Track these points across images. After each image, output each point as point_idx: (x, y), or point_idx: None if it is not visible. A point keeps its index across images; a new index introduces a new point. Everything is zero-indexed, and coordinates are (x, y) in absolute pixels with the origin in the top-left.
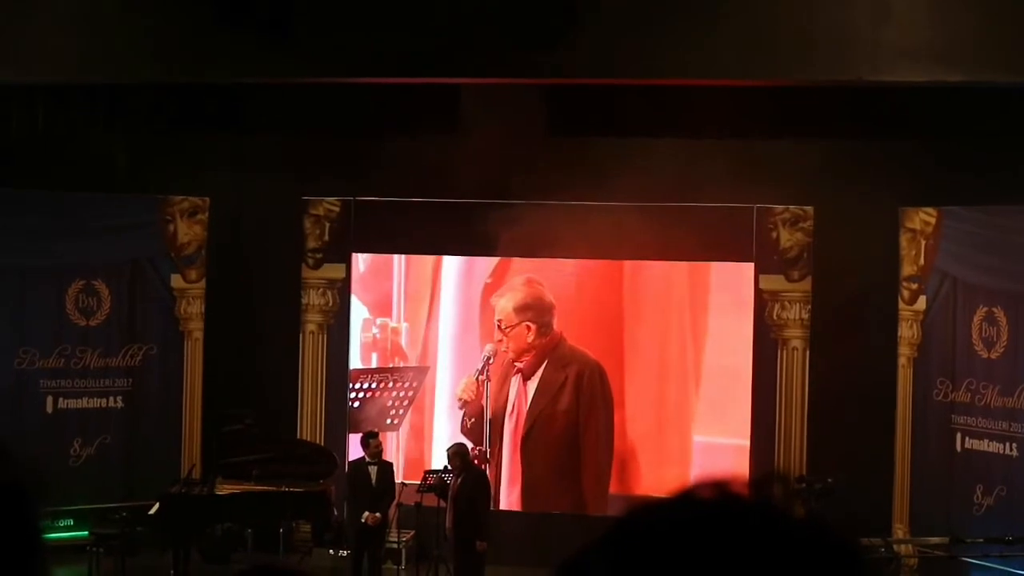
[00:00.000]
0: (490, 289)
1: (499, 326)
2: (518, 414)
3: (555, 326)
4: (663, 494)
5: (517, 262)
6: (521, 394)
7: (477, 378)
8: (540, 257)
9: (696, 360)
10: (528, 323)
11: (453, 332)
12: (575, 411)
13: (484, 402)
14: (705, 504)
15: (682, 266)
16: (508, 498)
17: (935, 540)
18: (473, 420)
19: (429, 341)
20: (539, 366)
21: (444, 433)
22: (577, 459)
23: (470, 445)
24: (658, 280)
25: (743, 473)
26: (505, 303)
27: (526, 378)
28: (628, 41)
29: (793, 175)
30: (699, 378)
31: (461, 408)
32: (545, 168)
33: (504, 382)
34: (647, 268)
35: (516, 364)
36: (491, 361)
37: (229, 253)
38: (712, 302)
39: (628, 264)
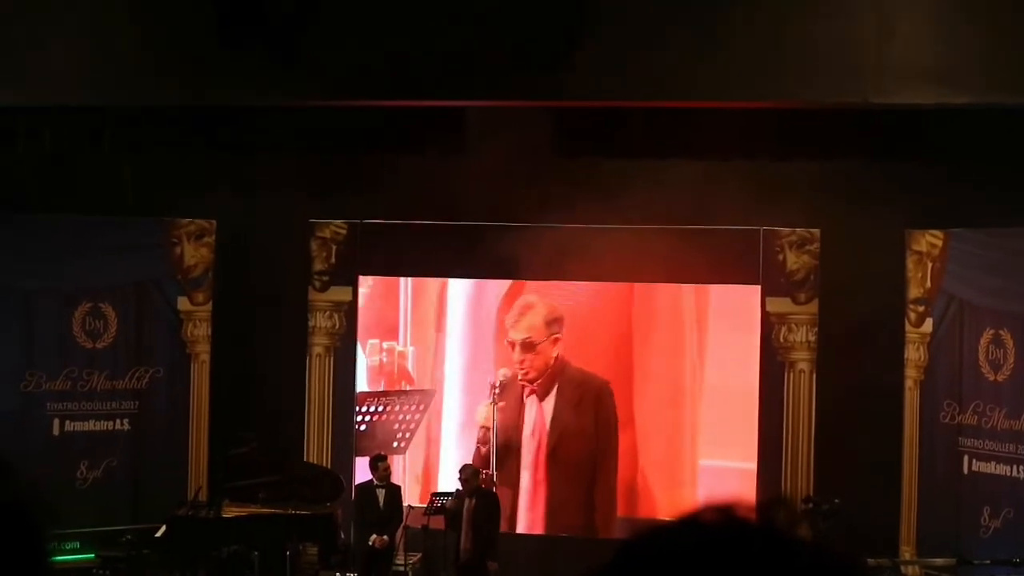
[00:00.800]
0: (501, 312)
1: (527, 345)
2: (539, 434)
3: None
4: (670, 517)
5: (526, 284)
6: (539, 415)
7: (495, 403)
8: (546, 279)
9: (703, 383)
10: (555, 336)
11: (462, 356)
12: (592, 431)
13: (492, 426)
14: (710, 528)
15: (688, 288)
16: (528, 520)
17: (942, 562)
18: (485, 447)
19: (436, 365)
20: (552, 387)
21: (453, 456)
22: (593, 480)
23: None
24: (665, 302)
25: (748, 496)
26: (533, 319)
27: (541, 399)
28: (633, 63)
29: (799, 197)
30: (706, 400)
31: (483, 435)
32: (551, 190)
33: (519, 404)
34: (654, 290)
35: (530, 385)
36: (503, 384)
37: (236, 275)
38: (718, 325)
39: (634, 287)
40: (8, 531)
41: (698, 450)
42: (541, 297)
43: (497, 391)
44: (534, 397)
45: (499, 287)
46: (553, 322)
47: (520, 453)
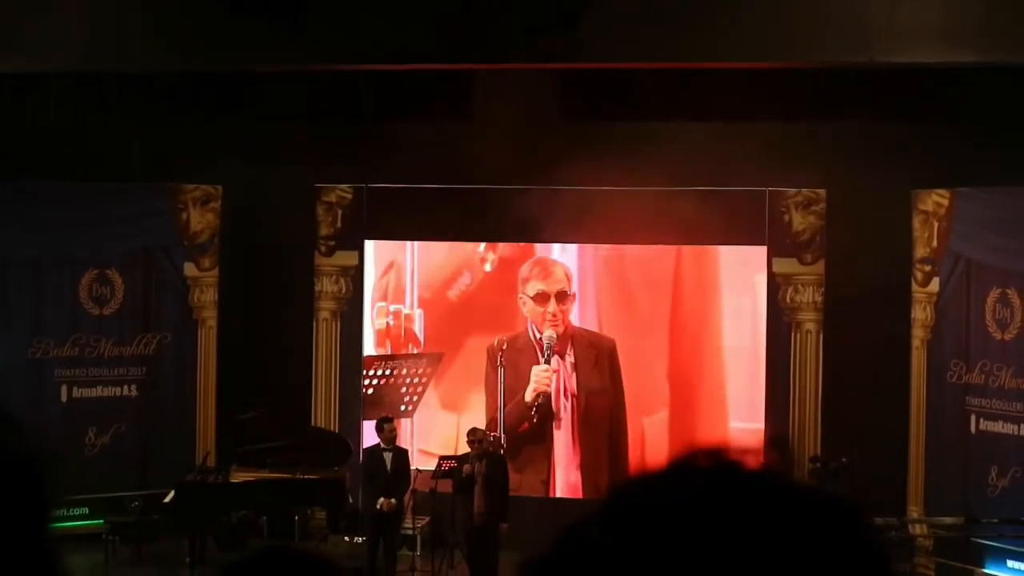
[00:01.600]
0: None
1: (562, 296)
2: (572, 396)
3: None
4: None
5: (535, 247)
6: (566, 375)
7: (549, 367)
8: (553, 242)
9: (710, 344)
10: (573, 291)
11: (471, 320)
12: (610, 390)
13: (500, 389)
14: (701, 472)
15: (695, 250)
16: (566, 483)
17: (950, 520)
18: (534, 410)
19: (445, 323)
20: (567, 347)
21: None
22: (614, 439)
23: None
24: (671, 263)
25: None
26: (558, 272)
27: (562, 358)
28: (640, 25)
29: (805, 158)
30: (714, 362)
31: (536, 403)
32: (558, 153)
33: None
34: (660, 252)
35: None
36: (551, 345)
37: (242, 241)
38: (725, 286)
39: (641, 248)
40: (11, 487)
41: (705, 410)
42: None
43: (548, 352)
44: (557, 357)
45: (505, 250)
46: (570, 278)
47: (554, 417)
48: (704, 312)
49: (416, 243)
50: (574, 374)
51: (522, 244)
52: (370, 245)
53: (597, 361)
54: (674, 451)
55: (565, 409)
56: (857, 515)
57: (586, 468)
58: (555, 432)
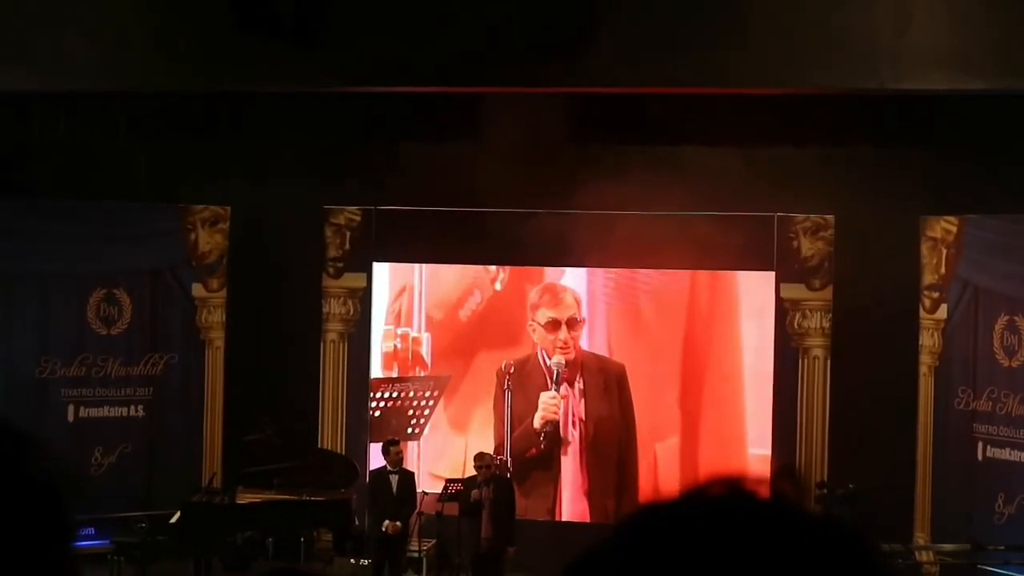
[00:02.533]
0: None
1: (572, 322)
2: (580, 423)
3: None
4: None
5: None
6: (574, 402)
7: (558, 393)
8: (560, 266)
9: (722, 369)
10: (583, 318)
11: (477, 343)
12: (619, 416)
13: (506, 414)
14: (717, 501)
15: (703, 275)
16: (573, 509)
17: (956, 547)
18: (541, 437)
19: (453, 352)
20: (577, 373)
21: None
22: (622, 465)
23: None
24: (679, 288)
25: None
26: (568, 299)
27: (571, 385)
28: (649, 49)
29: (814, 184)
30: (727, 387)
31: (544, 429)
32: (565, 177)
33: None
34: (668, 277)
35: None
36: (560, 372)
37: (250, 262)
38: (732, 311)
39: (649, 273)
40: (34, 507)
41: (708, 434)
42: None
43: (556, 379)
44: (565, 384)
45: (513, 274)
46: (579, 304)
47: (561, 443)
48: (716, 337)
49: (424, 266)
50: (583, 400)
51: (534, 268)
52: (383, 269)
53: (607, 387)
54: (685, 478)
55: (573, 436)
56: (868, 545)
57: (593, 494)
58: (562, 458)
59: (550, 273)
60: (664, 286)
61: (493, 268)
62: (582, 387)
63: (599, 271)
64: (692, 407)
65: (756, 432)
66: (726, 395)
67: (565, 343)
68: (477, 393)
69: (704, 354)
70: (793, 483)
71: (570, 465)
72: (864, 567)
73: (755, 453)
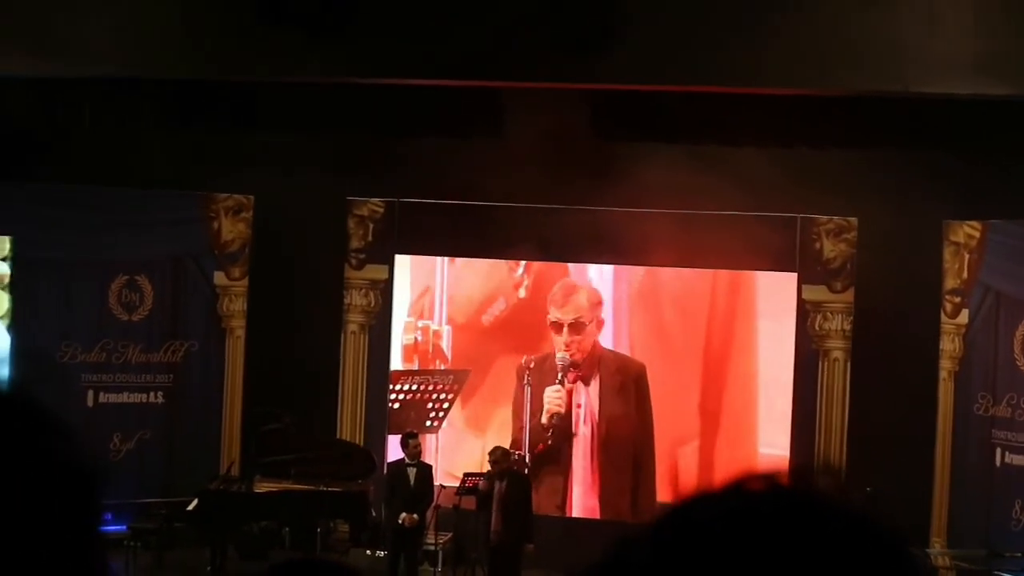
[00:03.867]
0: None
1: (576, 326)
2: (592, 421)
3: None
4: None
5: (561, 267)
6: (588, 400)
7: (562, 388)
8: (581, 262)
9: (738, 369)
10: (599, 319)
11: (498, 347)
12: (635, 415)
13: (525, 409)
14: (756, 495)
15: (725, 275)
16: (583, 505)
17: (972, 554)
18: (548, 432)
19: (475, 345)
20: (594, 372)
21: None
22: (638, 464)
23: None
24: (701, 288)
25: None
26: (579, 299)
27: (586, 384)
28: (675, 48)
29: (838, 186)
30: (742, 387)
31: (550, 422)
32: (589, 173)
33: (566, 391)
34: (689, 275)
35: (575, 371)
36: (566, 368)
37: (272, 251)
38: (754, 311)
39: (670, 271)
40: (65, 489)
41: (729, 435)
42: (580, 279)
43: (566, 373)
44: (579, 383)
45: (540, 276)
46: (596, 305)
47: (572, 439)
48: (735, 339)
49: (446, 262)
50: (597, 399)
51: (556, 264)
52: (405, 261)
53: (623, 386)
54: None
55: (584, 432)
56: (907, 542)
57: (605, 492)
58: (573, 454)
59: (574, 270)
60: (686, 286)
61: (520, 272)
62: (598, 385)
63: (624, 268)
64: (712, 410)
65: (774, 433)
66: (743, 397)
67: (567, 345)
68: (496, 394)
69: (724, 356)
70: (833, 478)
71: (581, 462)
72: (903, 564)
73: (772, 453)
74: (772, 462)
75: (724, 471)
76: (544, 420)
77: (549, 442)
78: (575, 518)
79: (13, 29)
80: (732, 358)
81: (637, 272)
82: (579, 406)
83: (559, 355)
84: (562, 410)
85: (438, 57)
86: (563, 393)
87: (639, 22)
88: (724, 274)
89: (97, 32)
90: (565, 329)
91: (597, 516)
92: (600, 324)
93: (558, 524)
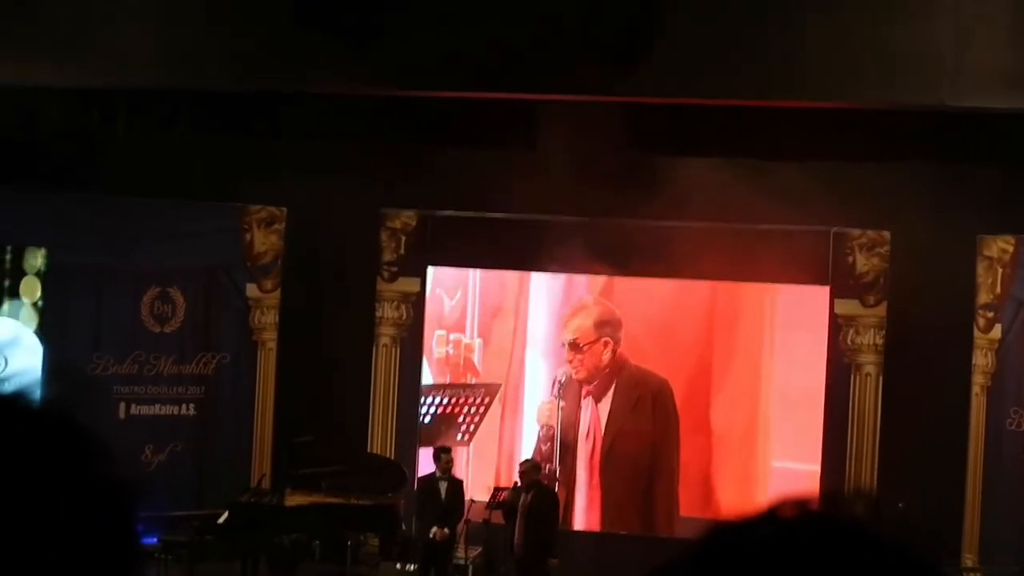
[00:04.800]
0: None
1: (574, 345)
2: (594, 436)
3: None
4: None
5: (592, 280)
6: (594, 416)
7: (557, 401)
8: (614, 275)
9: (771, 383)
10: (606, 339)
11: (534, 350)
12: (650, 431)
13: (556, 424)
14: (790, 522)
15: (758, 288)
16: (585, 518)
17: (1005, 570)
18: (548, 444)
19: (513, 358)
20: (609, 387)
21: (528, 451)
22: (651, 480)
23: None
24: (734, 301)
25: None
26: (582, 321)
27: (597, 400)
28: (708, 61)
29: (871, 199)
30: (773, 401)
31: (544, 433)
32: (621, 185)
33: (575, 405)
34: (723, 289)
35: (586, 386)
36: (564, 383)
37: (305, 264)
38: (787, 325)
39: (703, 284)
40: (102, 507)
41: (769, 450)
42: (597, 299)
43: (559, 390)
44: (590, 398)
45: (569, 281)
46: (604, 324)
47: (576, 453)
48: (766, 351)
49: (479, 272)
50: (607, 414)
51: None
52: (438, 274)
53: (640, 401)
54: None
55: (585, 446)
56: (939, 570)
57: (607, 506)
58: (576, 468)
59: (600, 283)
60: (719, 298)
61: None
62: (610, 400)
63: (652, 281)
64: (729, 425)
65: (804, 447)
66: (761, 412)
67: (570, 362)
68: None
69: (758, 368)
70: (867, 505)
71: (583, 475)
72: None
73: (802, 468)
74: (801, 478)
75: (758, 486)
76: (540, 433)
77: (543, 452)
78: (577, 531)
79: (48, 39)
80: (764, 372)
81: (667, 285)
82: (579, 421)
83: (559, 370)
84: (551, 423)
85: (473, 68)
86: (549, 405)
87: (673, 35)
88: (757, 287)
89: (131, 42)
90: (565, 348)
91: (598, 529)
92: (609, 343)
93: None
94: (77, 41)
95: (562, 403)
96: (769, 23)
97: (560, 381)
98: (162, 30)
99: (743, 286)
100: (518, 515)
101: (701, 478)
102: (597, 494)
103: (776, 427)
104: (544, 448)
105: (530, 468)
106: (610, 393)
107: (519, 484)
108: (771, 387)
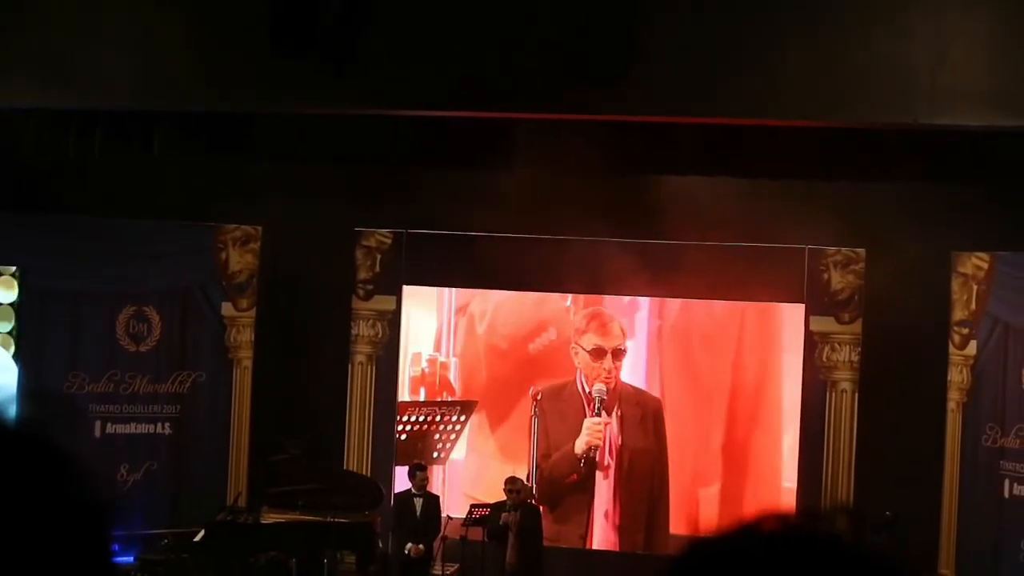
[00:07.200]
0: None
1: (617, 352)
2: (615, 453)
3: None
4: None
5: (585, 298)
6: (612, 432)
7: (602, 422)
8: (591, 293)
9: (747, 400)
10: (625, 350)
11: (503, 370)
12: (655, 448)
13: (532, 440)
14: (771, 536)
15: (731, 305)
16: (604, 537)
17: None
18: (584, 462)
19: (515, 381)
20: (614, 404)
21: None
22: (656, 498)
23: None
24: (707, 319)
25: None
26: (615, 327)
27: (609, 415)
28: (684, 80)
29: (846, 217)
30: (752, 418)
31: (586, 455)
32: (597, 204)
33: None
34: (697, 307)
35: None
36: (603, 400)
37: (280, 282)
38: (761, 342)
39: (677, 302)
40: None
41: (737, 467)
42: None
43: (599, 407)
44: (604, 414)
45: (542, 299)
46: (625, 334)
47: (596, 472)
48: (764, 373)
49: (455, 291)
50: (619, 431)
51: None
52: (413, 292)
53: (643, 420)
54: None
55: (610, 463)
56: None
57: (624, 525)
58: (597, 486)
59: (588, 300)
60: (710, 320)
61: (568, 302)
62: (618, 418)
63: (645, 301)
64: (738, 446)
65: (784, 466)
66: (770, 434)
67: (609, 372)
68: (525, 421)
69: (746, 392)
70: (848, 519)
71: (604, 494)
72: None
73: (781, 485)
74: (783, 496)
75: (749, 508)
76: (579, 450)
77: (583, 471)
78: (594, 550)
79: (23, 60)
80: (739, 389)
81: (653, 303)
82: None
83: (597, 386)
84: (600, 442)
85: (449, 88)
86: (603, 424)
87: (651, 55)
88: (731, 305)
89: (107, 63)
90: (608, 356)
91: (616, 549)
92: (625, 354)
93: (576, 556)
94: (52, 63)
95: (607, 421)
96: (746, 43)
97: (600, 398)
98: (139, 51)
99: (716, 304)
100: (511, 533)
101: (694, 500)
102: (617, 513)
103: (755, 444)
104: (582, 467)
105: (522, 486)
106: (617, 411)
107: (507, 502)
108: (748, 404)
